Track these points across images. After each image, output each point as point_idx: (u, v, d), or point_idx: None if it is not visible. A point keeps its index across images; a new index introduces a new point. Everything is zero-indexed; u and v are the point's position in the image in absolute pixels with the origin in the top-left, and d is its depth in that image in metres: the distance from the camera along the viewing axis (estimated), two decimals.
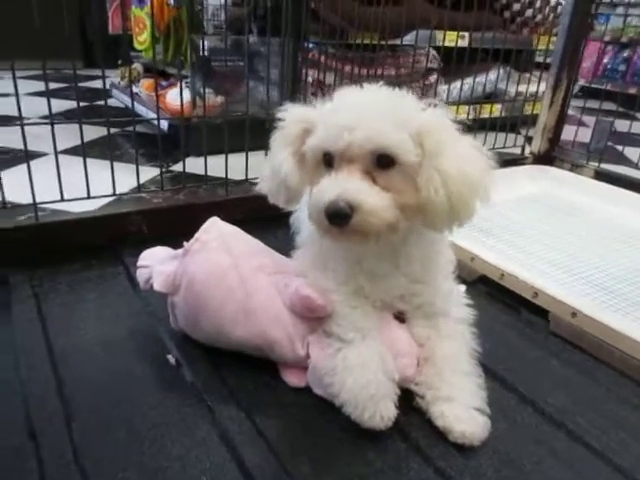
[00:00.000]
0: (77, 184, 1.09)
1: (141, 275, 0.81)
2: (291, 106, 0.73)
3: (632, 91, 3.56)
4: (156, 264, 0.79)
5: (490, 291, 1.05)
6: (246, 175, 1.32)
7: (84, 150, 1.09)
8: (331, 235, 0.66)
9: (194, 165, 1.38)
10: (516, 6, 3.03)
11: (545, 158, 1.84)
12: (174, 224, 0.93)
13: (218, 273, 0.74)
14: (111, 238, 1.10)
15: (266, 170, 0.76)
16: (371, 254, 0.72)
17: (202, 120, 1.27)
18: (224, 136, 1.21)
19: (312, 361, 0.71)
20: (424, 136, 0.65)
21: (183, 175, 1.27)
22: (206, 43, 2.30)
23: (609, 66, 4.38)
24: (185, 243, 0.78)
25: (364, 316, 0.71)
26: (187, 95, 2.24)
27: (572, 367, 0.86)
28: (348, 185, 0.63)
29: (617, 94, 2.00)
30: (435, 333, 0.75)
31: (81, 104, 2.76)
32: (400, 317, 0.76)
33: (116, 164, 1.15)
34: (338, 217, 0.61)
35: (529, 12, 3.08)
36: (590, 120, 2.34)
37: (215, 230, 0.79)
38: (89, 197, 1.11)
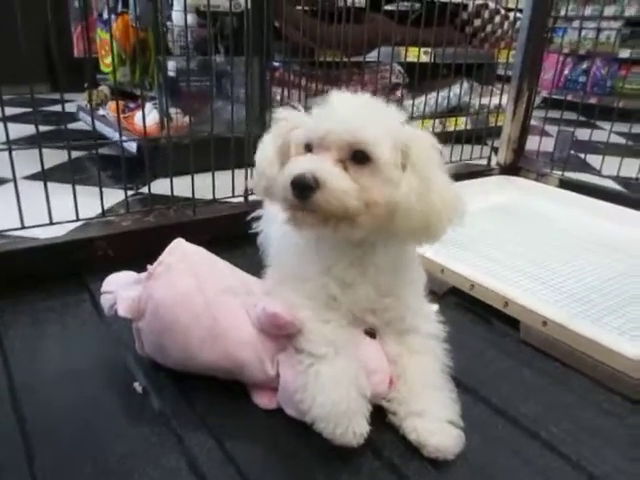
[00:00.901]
0: (41, 211, 1.07)
1: (105, 301, 0.79)
2: (284, 110, 0.76)
3: (592, 101, 3.67)
4: (120, 289, 0.77)
5: (461, 302, 1.06)
6: (213, 195, 1.30)
7: (44, 174, 1.07)
8: (293, 212, 0.68)
9: (163, 186, 1.37)
10: (477, 22, 3.11)
11: (511, 168, 1.88)
12: (142, 247, 0.91)
13: (183, 297, 0.73)
14: (75, 265, 1.07)
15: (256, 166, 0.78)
16: (341, 260, 0.73)
17: (168, 141, 1.26)
18: (190, 157, 1.20)
19: (282, 380, 0.70)
20: (412, 148, 0.67)
21: (149, 197, 1.25)
22: (173, 64, 2.30)
23: (569, 77, 4.52)
24: (149, 266, 0.77)
25: (336, 331, 0.70)
26: (155, 116, 2.24)
27: (544, 376, 0.86)
28: (318, 164, 0.65)
29: (578, 104, 2.05)
30: (406, 349, 0.75)
31: (47, 128, 2.72)
32: (371, 333, 0.75)
33: (83, 188, 1.13)
34: (302, 188, 0.63)
35: (489, 27, 3.17)
36: (553, 130, 2.40)
37: (180, 252, 0.77)
38: (52, 223, 1.08)
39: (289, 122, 0.74)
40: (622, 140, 2.64)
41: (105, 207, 1.18)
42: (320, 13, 1.94)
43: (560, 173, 1.78)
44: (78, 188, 1.12)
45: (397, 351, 0.74)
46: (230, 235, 1.14)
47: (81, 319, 0.94)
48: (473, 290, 1.04)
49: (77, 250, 1.09)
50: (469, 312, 1.03)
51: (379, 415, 0.70)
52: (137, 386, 0.77)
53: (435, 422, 0.68)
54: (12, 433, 0.68)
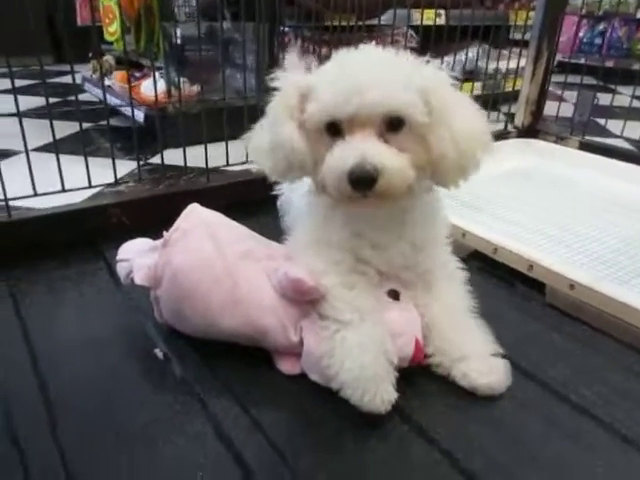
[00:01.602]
0: (52, 182, 1.05)
1: (121, 269, 0.77)
2: (284, 73, 0.69)
3: (609, 64, 3.55)
4: (136, 257, 0.75)
5: (483, 267, 1.03)
6: (227, 162, 1.27)
7: (56, 144, 1.04)
8: (352, 203, 0.64)
9: (173, 157, 1.34)
10: None
11: (529, 131, 1.82)
12: (156, 214, 0.89)
13: (202, 262, 0.71)
14: (90, 233, 1.06)
15: (260, 144, 0.71)
16: (374, 223, 0.70)
17: (178, 110, 1.22)
18: (202, 126, 1.17)
19: (306, 346, 0.68)
20: (430, 93, 0.63)
21: (162, 165, 1.23)
22: (179, 31, 2.24)
23: (585, 40, 4.38)
24: (165, 233, 0.74)
25: (361, 296, 0.68)
26: (162, 85, 2.19)
27: (573, 339, 0.84)
28: (368, 149, 0.60)
29: (594, 68, 1.99)
30: (430, 298, 0.75)
31: (53, 100, 2.67)
32: (394, 294, 0.73)
33: (92, 159, 1.10)
34: (364, 182, 0.60)
35: None
36: (570, 96, 2.32)
37: (195, 217, 0.75)
38: (64, 190, 1.06)
39: (297, 89, 0.66)
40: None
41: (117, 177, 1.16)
42: None
43: (580, 137, 1.73)
44: (88, 159, 1.09)
45: (425, 301, 0.74)
46: (245, 201, 1.11)
47: (98, 287, 0.93)
48: (496, 254, 1.01)
49: (91, 218, 1.07)
50: (492, 276, 1.01)
51: (406, 380, 0.69)
52: (158, 352, 0.75)
53: (480, 362, 0.69)
54: (36, 403, 0.67)
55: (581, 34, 4.37)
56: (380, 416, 0.64)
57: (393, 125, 0.63)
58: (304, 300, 0.68)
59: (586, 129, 1.74)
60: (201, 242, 0.72)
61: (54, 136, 1.05)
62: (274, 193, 1.06)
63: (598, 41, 4.26)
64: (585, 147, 1.70)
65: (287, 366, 0.71)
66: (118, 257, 0.79)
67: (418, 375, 0.72)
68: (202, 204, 0.80)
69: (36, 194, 1.03)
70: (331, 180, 0.63)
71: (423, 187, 0.69)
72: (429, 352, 0.72)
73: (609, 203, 1.31)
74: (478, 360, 0.69)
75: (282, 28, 2.27)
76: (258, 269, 0.71)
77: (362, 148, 0.60)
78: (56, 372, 0.72)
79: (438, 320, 0.72)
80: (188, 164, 1.21)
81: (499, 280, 0.99)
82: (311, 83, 0.66)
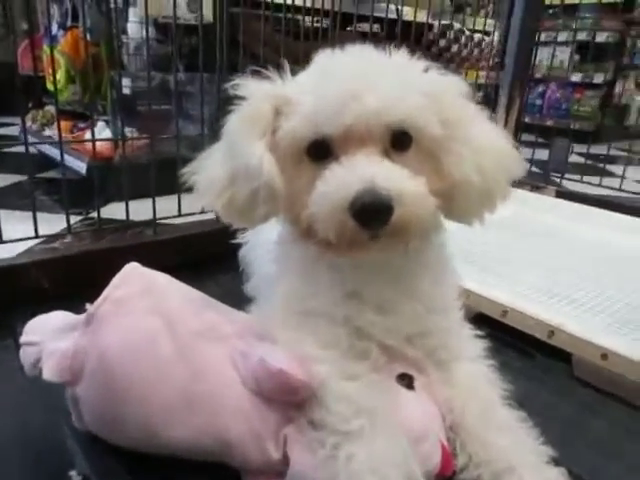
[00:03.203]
0: None
1: (26, 356, 0.55)
2: (251, 80, 0.53)
3: (549, 123, 3.63)
4: (48, 339, 0.54)
5: (492, 333, 0.86)
6: (179, 212, 1.08)
7: None
8: (354, 249, 0.47)
9: (117, 211, 1.17)
10: (442, 42, 3.07)
11: None
12: (87, 276, 0.69)
13: (142, 346, 0.50)
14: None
15: (213, 175, 0.53)
16: (374, 277, 0.53)
17: (124, 161, 1.06)
18: (149, 178, 1.01)
19: (293, 466, 0.47)
20: (442, 100, 0.50)
21: (98, 218, 1.03)
22: (128, 81, 2.11)
23: (527, 101, 4.53)
24: (89, 306, 0.54)
25: (369, 390, 0.49)
26: (108, 135, 2.02)
27: (616, 425, 0.67)
28: (376, 170, 0.45)
29: (535, 126, 2.15)
30: (452, 384, 0.56)
31: None
32: (408, 379, 0.54)
33: (23, 213, 0.90)
34: (376, 214, 0.43)
35: (455, 48, 3.14)
36: (527, 152, 2.29)
37: (135, 281, 0.55)
38: None
39: (271, 99, 0.51)
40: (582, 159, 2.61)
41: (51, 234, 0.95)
42: (285, 31, 1.80)
43: (557, 186, 1.69)
44: (18, 214, 0.89)
45: (448, 394, 0.55)
46: (200, 258, 0.92)
47: (2, 373, 0.69)
48: (506, 317, 0.85)
49: (1, 281, 0.84)
50: (505, 345, 0.83)
51: None
52: (74, 476, 0.53)
53: (535, 475, 0.49)
54: None
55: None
56: None
57: (399, 141, 0.49)
58: (289, 400, 0.48)
59: (563, 176, 1.77)
60: (141, 317, 0.52)
61: None
62: (236, 241, 0.86)
63: (539, 102, 4.43)
64: (562, 195, 1.65)
65: None
66: (23, 339, 0.57)
67: None
68: (146, 263, 0.60)
69: None
70: (324, 216, 0.45)
71: (437, 224, 0.54)
72: (460, 462, 0.52)
73: (612, 256, 1.17)
74: (532, 472, 0.49)
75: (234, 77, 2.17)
76: (222, 354, 0.51)
77: (366, 170, 0.45)
78: None
79: (468, 416, 0.53)
80: (137, 218, 1.04)
81: (513, 350, 0.82)
82: (287, 93, 0.50)
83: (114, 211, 1.47)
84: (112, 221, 1.35)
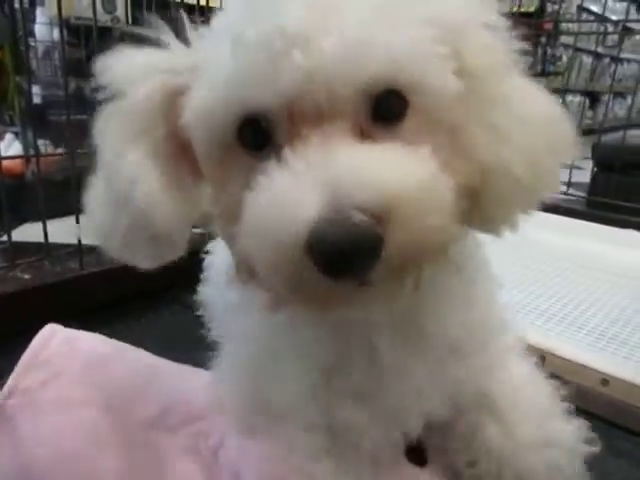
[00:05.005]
0: None
1: None
2: (126, 52, 0.36)
3: None
4: None
5: None
6: None
7: None
8: (331, 301, 0.30)
9: (33, 232, 1.04)
10: None
11: None
12: None
13: (75, 446, 0.37)
14: None
15: (94, 195, 0.40)
16: (364, 336, 0.38)
17: (37, 177, 0.91)
18: (69, 194, 0.86)
19: None
20: (462, 36, 0.32)
21: (10, 243, 0.90)
22: (38, 89, 1.93)
23: None
24: None
25: None
26: (18, 149, 1.81)
27: (624, 455, 0.61)
28: (344, 167, 0.28)
29: None
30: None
31: None
32: (419, 454, 0.44)
33: None
34: (354, 256, 0.26)
35: None
36: None
37: (57, 355, 0.41)
38: None
39: (162, 75, 0.35)
40: None
41: None
42: None
43: None
44: None
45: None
46: (144, 291, 0.77)
47: None
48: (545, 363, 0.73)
49: None
50: None
51: None
52: None
53: None
54: None
55: None
56: None
57: (385, 108, 0.31)
58: None
59: None
60: (70, 409, 0.38)
61: None
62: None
63: None
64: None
65: None
66: None
67: None
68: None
69: None
70: (265, 256, 0.29)
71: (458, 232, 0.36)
72: None
73: (592, 269, 1.08)
74: None
75: None
76: (178, 448, 0.38)
77: (330, 168, 0.28)
78: None
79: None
80: (56, 240, 0.92)
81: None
82: (190, 59, 0.35)
83: (30, 233, 1.29)
84: (29, 246, 1.17)
